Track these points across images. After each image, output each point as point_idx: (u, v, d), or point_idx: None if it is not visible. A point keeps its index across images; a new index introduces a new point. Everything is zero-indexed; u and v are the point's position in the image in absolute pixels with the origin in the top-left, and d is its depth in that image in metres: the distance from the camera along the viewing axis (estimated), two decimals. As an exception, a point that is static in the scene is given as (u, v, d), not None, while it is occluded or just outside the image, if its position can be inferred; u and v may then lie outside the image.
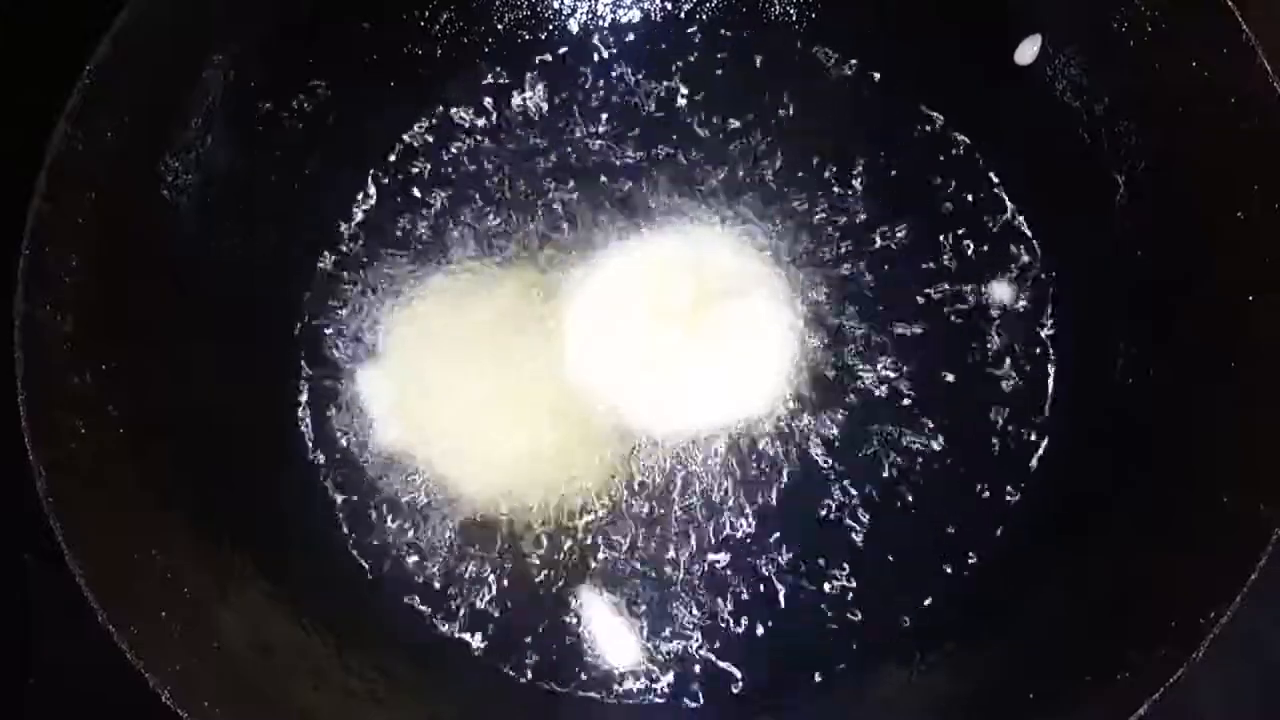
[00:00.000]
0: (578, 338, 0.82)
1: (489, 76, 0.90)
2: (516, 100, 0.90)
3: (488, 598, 0.79)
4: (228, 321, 0.79)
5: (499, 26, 0.91)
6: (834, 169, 0.87)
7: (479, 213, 0.87)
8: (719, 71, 0.90)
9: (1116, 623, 0.68)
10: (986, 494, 0.81)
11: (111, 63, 0.69)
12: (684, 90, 0.90)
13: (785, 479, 0.80)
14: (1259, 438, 0.66)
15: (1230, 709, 0.80)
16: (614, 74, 0.90)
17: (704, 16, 0.91)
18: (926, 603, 0.78)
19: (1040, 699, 0.67)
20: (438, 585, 0.79)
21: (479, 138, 0.89)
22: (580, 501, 0.80)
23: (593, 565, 0.79)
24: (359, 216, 0.88)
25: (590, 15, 0.92)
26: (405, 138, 0.89)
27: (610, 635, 0.78)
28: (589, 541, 0.79)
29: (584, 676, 0.77)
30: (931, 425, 0.82)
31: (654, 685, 0.77)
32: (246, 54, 0.77)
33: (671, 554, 0.79)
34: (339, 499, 0.81)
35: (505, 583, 0.79)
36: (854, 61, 0.90)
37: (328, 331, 0.85)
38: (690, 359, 0.81)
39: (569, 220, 0.86)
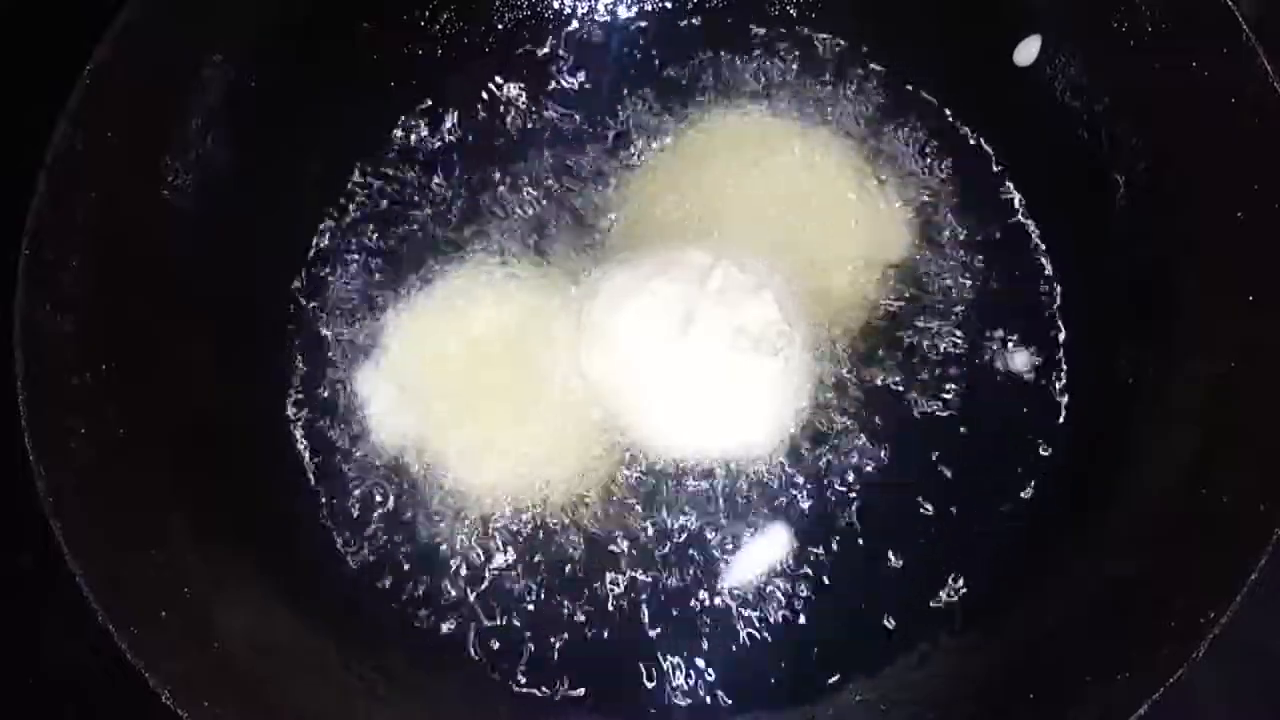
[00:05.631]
0: (582, 343, 0.81)
1: (489, 76, 0.90)
2: (517, 101, 0.90)
3: (484, 599, 0.78)
4: (227, 322, 0.79)
5: (499, 26, 0.91)
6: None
7: (480, 214, 0.87)
8: (723, 69, 0.90)
9: (1116, 623, 0.68)
10: (987, 494, 0.81)
11: (111, 63, 0.69)
12: (689, 89, 0.90)
13: (786, 485, 0.80)
14: (1259, 438, 0.67)
15: (1230, 709, 0.80)
16: (615, 73, 0.90)
17: (705, 15, 0.92)
18: (926, 603, 0.78)
19: (1040, 699, 0.67)
20: (436, 586, 0.79)
21: (479, 138, 0.89)
22: (577, 506, 0.80)
23: (588, 569, 0.79)
24: (358, 217, 0.87)
25: (590, 15, 0.92)
26: (405, 138, 0.89)
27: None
28: (585, 545, 0.79)
29: (580, 680, 0.77)
30: (932, 426, 0.82)
31: (648, 691, 0.77)
32: (246, 54, 0.77)
33: (665, 562, 0.79)
34: (338, 499, 0.81)
35: (502, 584, 0.79)
36: (857, 59, 0.90)
37: (326, 332, 0.85)
38: (695, 379, 0.79)
39: (570, 222, 0.86)
